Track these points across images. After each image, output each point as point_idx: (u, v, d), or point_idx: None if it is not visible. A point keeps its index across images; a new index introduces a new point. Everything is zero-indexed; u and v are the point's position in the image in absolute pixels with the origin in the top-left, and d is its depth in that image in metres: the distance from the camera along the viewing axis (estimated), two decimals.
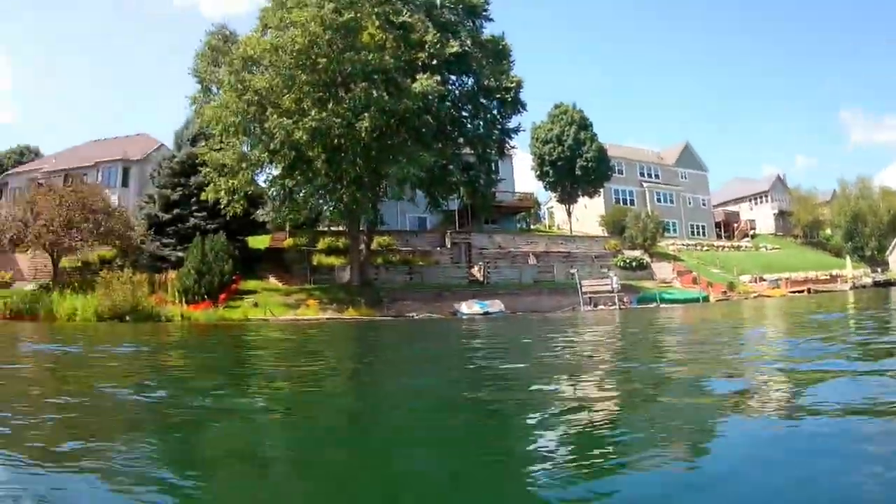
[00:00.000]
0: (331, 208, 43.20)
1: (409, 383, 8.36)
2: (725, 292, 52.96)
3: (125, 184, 61.11)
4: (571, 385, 6.98)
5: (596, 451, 4.03)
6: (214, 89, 44.46)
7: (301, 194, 42.05)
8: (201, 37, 45.14)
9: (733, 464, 3.60)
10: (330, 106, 37.80)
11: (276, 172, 42.84)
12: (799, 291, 55.20)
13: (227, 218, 42.21)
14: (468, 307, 40.51)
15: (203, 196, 41.85)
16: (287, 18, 39.03)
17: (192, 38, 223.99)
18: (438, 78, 40.11)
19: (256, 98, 38.55)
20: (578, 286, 45.11)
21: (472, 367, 10.14)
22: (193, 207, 44.93)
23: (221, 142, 41.28)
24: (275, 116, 37.68)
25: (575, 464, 3.80)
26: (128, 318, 34.75)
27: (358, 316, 36.93)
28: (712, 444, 4.12)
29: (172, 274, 41.32)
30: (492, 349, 14.13)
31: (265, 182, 45.09)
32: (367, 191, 41.45)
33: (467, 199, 50.91)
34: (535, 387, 7.06)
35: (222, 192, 40.71)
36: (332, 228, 50.28)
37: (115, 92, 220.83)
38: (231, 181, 40.49)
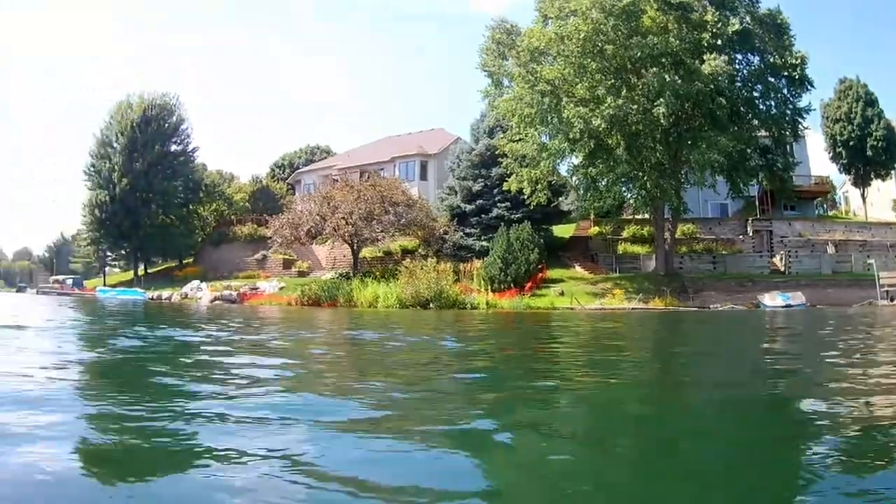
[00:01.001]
0: (634, 196, 43.70)
1: (709, 378, 8.51)
2: None
3: (424, 177, 64.39)
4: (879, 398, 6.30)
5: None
6: (505, 82, 45.96)
7: (603, 182, 43.19)
8: (483, 31, 45.85)
9: None
10: (623, 92, 38.65)
11: (577, 161, 44.09)
12: None
13: (531, 207, 44.21)
14: (771, 299, 39.60)
15: (505, 186, 44.16)
16: (566, 7, 40.26)
17: (464, 32, 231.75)
18: (725, 58, 39.45)
19: (549, 88, 40.00)
20: (876, 278, 42.48)
21: (773, 366, 9.91)
22: (496, 198, 47.57)
23: (519, 133, 43.11)
24: (571, 106, 38.88)
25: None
26: (431, 305, 37.25)
27: (662, 306, 37.32)
28: None
29: (477, 263, 43.88)
30: (797, 347, 13.90)
31: (567, 171, 46.82)
32: (669, 178, 41.61)
33: (766, 185, 49.85)
34: (838, 396, 6.40)
35: (525, 183, 42.76)
36: (637, 217, 50.84)
37: (404, 91, 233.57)
38: (532, 171, 42.46)
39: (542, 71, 39.77)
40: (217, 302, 47.79)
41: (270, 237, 51.64)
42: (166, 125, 73.47)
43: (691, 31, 40.41)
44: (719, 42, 40.51)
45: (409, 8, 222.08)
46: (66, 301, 46.64)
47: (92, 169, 73.03)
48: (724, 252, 48.85)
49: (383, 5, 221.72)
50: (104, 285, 75.80)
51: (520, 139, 43.11)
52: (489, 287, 40.07)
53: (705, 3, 41.42)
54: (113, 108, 74.78)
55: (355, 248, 48.25)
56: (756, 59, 44.68)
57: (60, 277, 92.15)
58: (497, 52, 45.63)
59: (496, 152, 46.50)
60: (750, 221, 52.75)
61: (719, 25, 40.14)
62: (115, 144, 72.12)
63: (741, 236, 51.65)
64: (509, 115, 42.25)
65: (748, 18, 42.57)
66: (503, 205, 46.75)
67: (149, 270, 77.02)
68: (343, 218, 45.81)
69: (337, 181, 55.68)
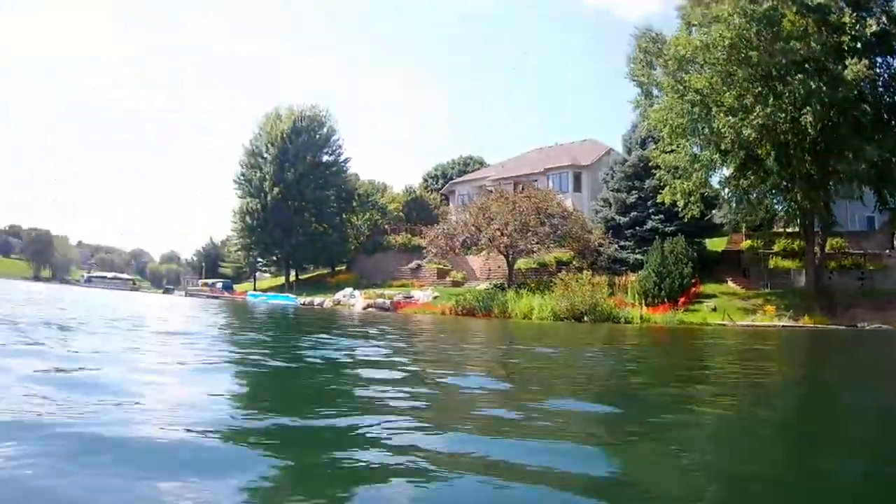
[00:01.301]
0: (785, 208, 43.82)
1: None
2: None
3: (577, 189, 65.17)
4: None
5: None
6: (655, 91, 46.37)
7: (755, 195, 43.50)
8: (628, 41, 46.08)
9: None
10: (771, 101, 38.58)
11: (727, 173, 44.41)
12: None
13: (685, 220, 44.56)
14: None
15: (659, 199, 44.75)
16: (708, 14, 40.43)
17: (607, 41, 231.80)
18: (866, 62, 37.80)
19: (698, 98, 40.38)
20: None
21: None
22: (650, 210, 48.44)
23: (671, 143, 43.80)
24: (720, 115, 39.39)
25: None
26: (585, 318, 38.33)
27: (812, 324, 37.23)
28: None
29: (632, 276, 44.77)
30: None
31: (718, 183, 46.80)
32: (818, 189, 41.21)
33: None
34: None
35: (678, 195, 43.07)
36: (788, 230, 49.94)
37: (549, 102, 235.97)
38: (685, 183, 42.82)
39: (690, 80, 40.22)
40: (370, 309, 50.07)
41: (425, 247, 53.81)
42: (317, 136, 77.92)
43: (830, 35, 39.22)
44: (859, 45, 39.08)
45: (549, 10, 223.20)
46: (217, 304, 49.59)
47: (242, 178, 78.00)
48: (871, 267, 47.14)
49: (526, 10, 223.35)
50: (254, 290, 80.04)
51: (671, 150, 43.68)
52: (643, 301, 40.93)
53: (842, 5, 40.50)
54: (261, 120, 79.69)
55: (510, 259, 49.87)
56: (895, 62, 43.28)
57: (210, 281, 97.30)
58: (644, 61, 45.69)
59: (649, 164, 47.03)
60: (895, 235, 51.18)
61: (857, 27, 38.81)
62: (265, 155, 76.92)
63: (887, 251, 49.90)
64: (660, 125, 42.71)
65: (884, 19, 40.68)
66: (657, 217, 47.52)
67: (300, 277, 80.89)
68: (498, 229, 47.77)
69: (491, 192, 57.32)
